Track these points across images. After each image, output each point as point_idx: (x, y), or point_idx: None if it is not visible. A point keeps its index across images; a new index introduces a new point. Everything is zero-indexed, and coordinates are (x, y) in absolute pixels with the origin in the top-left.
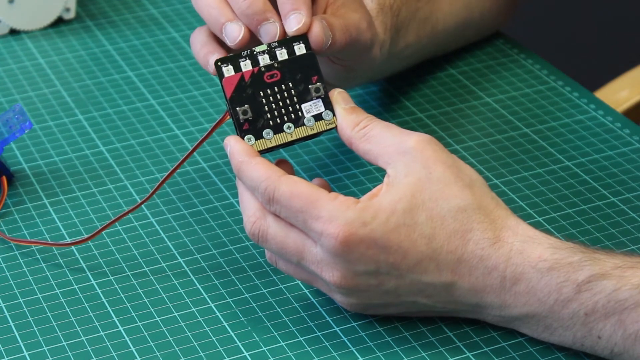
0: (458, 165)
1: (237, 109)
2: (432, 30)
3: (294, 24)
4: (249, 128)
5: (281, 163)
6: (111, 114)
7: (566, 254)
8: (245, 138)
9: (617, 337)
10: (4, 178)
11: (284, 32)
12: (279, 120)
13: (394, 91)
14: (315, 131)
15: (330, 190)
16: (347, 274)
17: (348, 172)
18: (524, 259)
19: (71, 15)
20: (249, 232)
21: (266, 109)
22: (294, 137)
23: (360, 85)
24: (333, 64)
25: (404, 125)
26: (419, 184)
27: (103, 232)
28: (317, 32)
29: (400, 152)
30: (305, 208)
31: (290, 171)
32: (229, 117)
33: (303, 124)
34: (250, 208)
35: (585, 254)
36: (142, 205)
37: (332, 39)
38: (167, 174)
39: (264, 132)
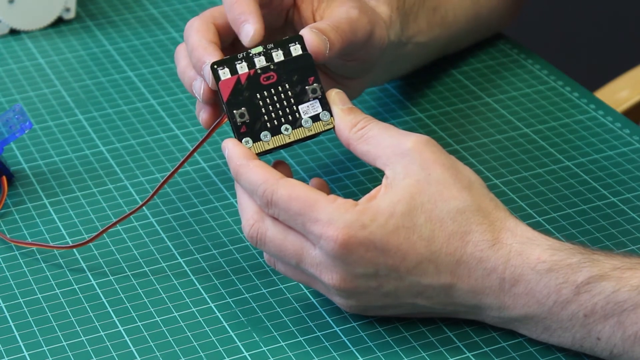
0: (456, 167)
1: (234, 111)
2: (443, 21)
3: (244, 37)
4: (247, 131)
5: (279, 165)
6: (111, 114)
7: (565, 255)
8: (242, 141)
9: (616, 339)
10: (4, 178)
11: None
12: (276, 122)
13: (394, 91)
14: (313, 132)
15: (328, 189)
16: (346, 277)
17: (348, 172)
18: (523, 260)
19: (71, 15)
20: (247, 235)
21: (263, 111)
22: (292, 139)
23: (388, 81)
24: (348, 62)
25: (404, 125)
26: (417, 186)
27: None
28: (311, 41)
29: (398, 153)
30: (303, 211)
31: (288, 173)
32: (226, 119)
33: (301, 125)
34: (248, 211)
35: (584, 255)
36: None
37: (329, 43)
38: (166, 176)
39: (261, 135)
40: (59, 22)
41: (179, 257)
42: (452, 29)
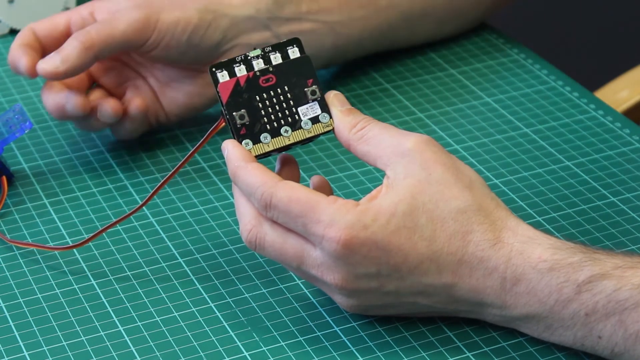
0: (457, 166)
1: (234, 113)
2: (369, 1)
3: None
4: (246, 133)
5: (287, 162)
6: None
7: (566, 254)
8: (242, 143)
9: (617, 337)
10: (4, 178)
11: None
12: (276, 124)
13: (394, 91)
14: (312, 134)
15: (330, 187)
16: (348, 277)
17: (348, 172)
18: (524, 259)
19: None
20: (246, 241)
21: (263, 113)
22: (292, 141)
23: (331, 62)
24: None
25: (404, 125)
26: (418, 186)
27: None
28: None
29: (399, 153)
30: (304, 213)
31: (296, 169)
32: (223, 123)
33: (300, 127)
34: (245, 216)
35: (586, 254)
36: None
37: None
38: (165, 177)
39: (261, 137)
40: None
41: (179, 257)
42: (387, 12)
